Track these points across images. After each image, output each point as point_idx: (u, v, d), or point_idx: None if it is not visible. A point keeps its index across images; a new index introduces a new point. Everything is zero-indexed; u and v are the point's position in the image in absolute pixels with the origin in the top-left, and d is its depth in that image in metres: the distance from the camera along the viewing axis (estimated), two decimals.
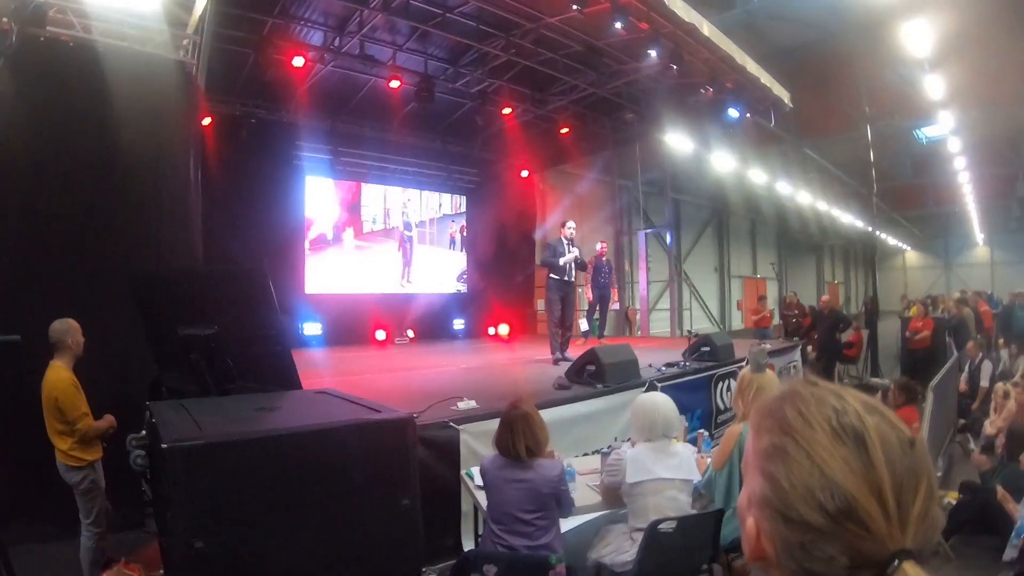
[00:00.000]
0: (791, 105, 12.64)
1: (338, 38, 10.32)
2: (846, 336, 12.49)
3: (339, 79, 11.34)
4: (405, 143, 13.50)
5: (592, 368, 6.95)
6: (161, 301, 4.40)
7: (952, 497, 5.92)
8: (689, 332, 9.76)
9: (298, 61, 9.67)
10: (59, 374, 4.38)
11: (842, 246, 41.01)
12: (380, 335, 12.91)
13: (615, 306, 15.37)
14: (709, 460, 4.02)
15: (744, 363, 8.00)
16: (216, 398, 3.65)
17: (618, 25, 8.88)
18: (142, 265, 5.55)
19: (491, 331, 14.77)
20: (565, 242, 9.00)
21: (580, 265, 9.16)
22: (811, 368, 11.70)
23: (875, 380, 12.85)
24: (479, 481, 3.77)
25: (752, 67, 11.09)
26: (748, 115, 12.41)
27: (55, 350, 4.43)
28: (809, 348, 11.92)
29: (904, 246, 40.12)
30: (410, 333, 13.57)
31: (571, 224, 9.26)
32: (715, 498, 3.79)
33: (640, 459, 3.64)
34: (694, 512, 3.70)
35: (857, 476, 0.74)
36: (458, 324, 14.85)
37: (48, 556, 4.79)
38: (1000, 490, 5.23)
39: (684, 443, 4.06)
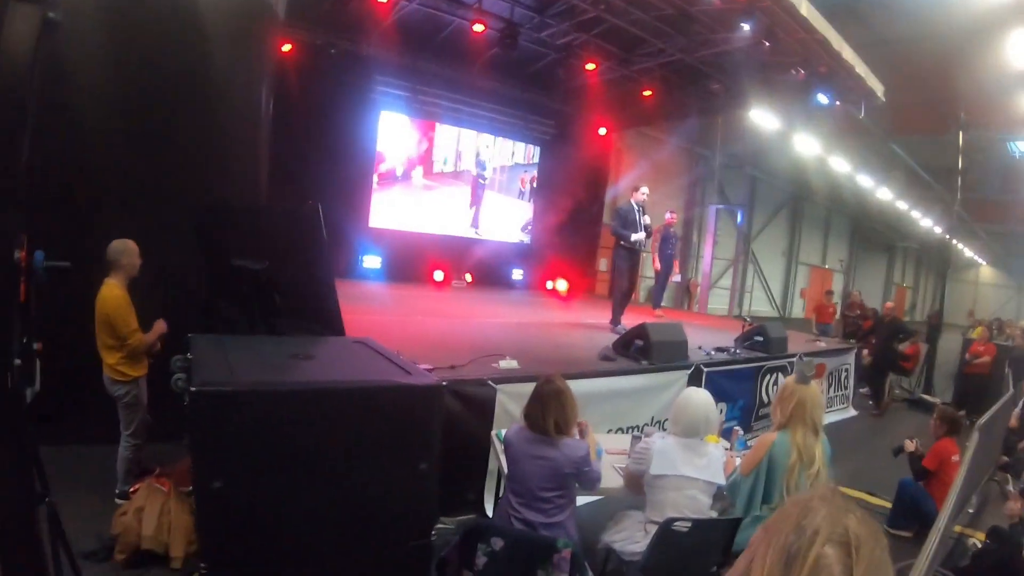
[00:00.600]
0: (883, 99, 11.99)
1: None
2: (904, 347, 12.04)
3: (423, 17, 11.16)
4: (484, 87, 13.32)
5: (640, 343, 6.84)
6: (219, 232, 4.50)
7: (979, 538, 5.74)
8: (744, 318, 9.49)
9: None
10: (112, 291, 4.50)
11: (916, 250, 39.55)
12: (438, 276, 13.01)
13: (676, 278, 15.13)
14: (738, 461, 3.96)
15: (797, 360, 7.81)
16: (255, 337, 3.74)
17: None
18: (205, 193, 5.61)
19: (549, 285, 14.74)
20: (636, 207, 8.71)
21: (647, 232, 8.88)
22: (863, 374, 11.44)
23: (926, 397, 12.48)
24: None
25: (848, 54, 10.51)
26: (838, 103, 11.83)
27: (111, 268, 4.54)
28: (865, 352, 11.50)
29: (980, 260, 38.43)
30: (468, 277, 13.63)
31: (644, 189, 8.94)
32: (736, 503, 3.74)
33: (668, 453, 3.59)
34: (712, 515, 3.65)
35: None
36: (517, 274, 14.86)
37: (90, 458, 5.03)
38: None
39: (718, 444, 3.96)
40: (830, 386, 10.12)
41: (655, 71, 12.81)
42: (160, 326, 4.71)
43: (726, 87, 12.96)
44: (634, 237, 8.58)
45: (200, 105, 5.82)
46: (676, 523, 3.30)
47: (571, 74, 12.78)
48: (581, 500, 4.61)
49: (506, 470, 3.67)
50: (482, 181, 14.31)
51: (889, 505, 6.23)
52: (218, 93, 5.95)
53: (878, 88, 11.74)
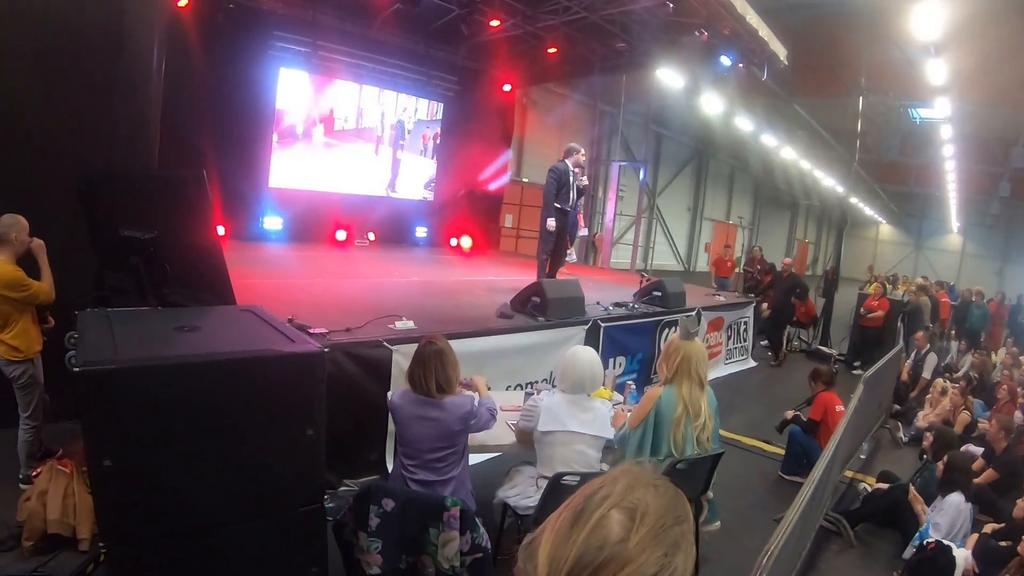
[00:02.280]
0: (786, 63, 12.40)
1: None
2: (797, 303, 12.76)
3: None
4: (386, 42, 13.08)
5: (537, 300, 7.03)
6: (105, 202, 4.40)
7: (870, 483, 6.20)
8: (642, 273, 9.80)
9: None
10: (1, 267, 4.37)
11: (818, 208, 41.32)
12: (341, 235, 12.86)
13: (583, 232, 15.38)
14: (628, 414, 4.11)
15: (680, 317, 8.13)
16: (142, 311, 3.72)
17: None
18: (92, 157, 5.40)
19: (453, 242, 14.78)
20: (571, 169, 8.66)
21: (580, 194, 8.84)
22: (762, 327, 12.02)
23: (823, 348, 13.25)
24: None
25: (753, 18, 10.80)
26: (740, 65, 12.16)
27: None
28: (764, 306, 12.08)
29: (880, 219, 40.27)
30: (371, 236, 13.52)
31: (581, 150, 8.88)
32: (626, 455, 3.90)
33: (554, 409, 3.75)
34: (603, 468, 3.81)
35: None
36: (421, 232, 14.79)
37: None
38: (912, 490, 5.49)
39: (603, 400, 4.17)
40: (729, 339, 10.63)
41: (559, 28, 12.82)
42: (39, 243, 4.57)
43: (631, 46, 13.11)
44: (549, 223, 8.53)
45: (85, 62, 5.52)
46: (565, 477, 3.46)
47: (475, 30, 12.65)
48: (478, 458, 4.83)
49: (396, 434, 3.74)
50: (402, 143, 14.25)
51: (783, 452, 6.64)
52: (105, 49, 5.63)
53: (781, 52, 12.10)
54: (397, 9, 11.44)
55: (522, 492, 3.85)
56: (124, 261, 4.37)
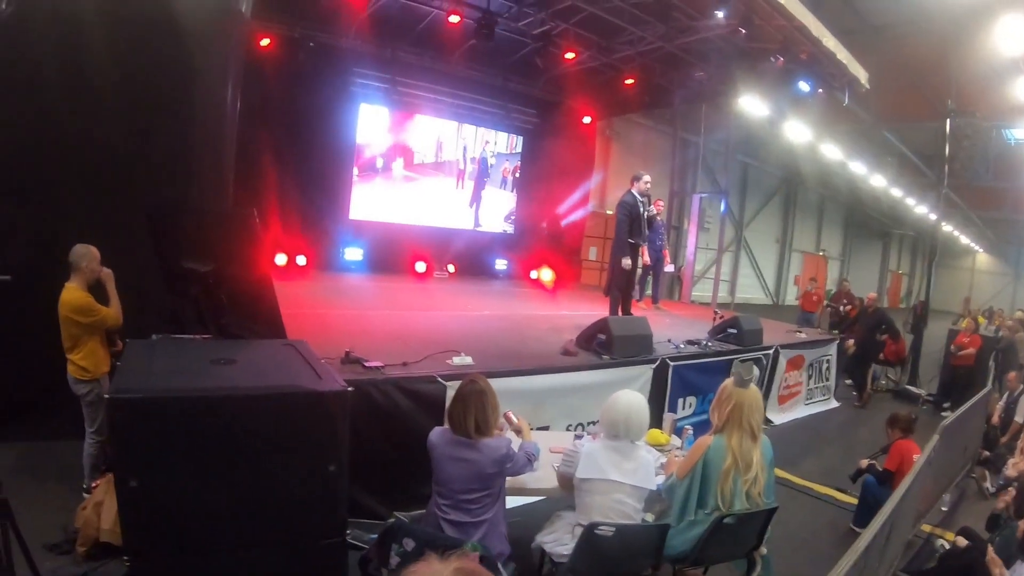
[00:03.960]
0: (867, 86, 11.91)
1: None
2: (885, 338, 12.05)
3: (400, 8, 11.15)
4: (464, 77, 13.31)
5: (602, 338, 6.87)
6: (169, 235, 4.58)
7: (949, 538, 5.71)
8: (716, 310, 9.47)
9: None
10: (72, 293, 4.66)
11: (912, 237, 39.31)
12: (420, 267, 13.04)
13: (669, 268, 15.07)
14: (679, 460, 3.93)
15: (735, 362, 7.78)
16: (189, 341, 3.84)
17: None
18: (168, 195, 5.72)
19: (533, 275, 14.71)
20: (639, 198, 8.62)
21: (651, 224, 8.77)
22: (846, 365, 11.40)
23: (911, 388, 12.48)
24: None
25: (830, 41, 10.45)
26: (820, 90, 11.78)
27: (71, 271, 4.70)
28: (849, 342, 11.48)
29: (976, 247, 38.05)
30: (451, 268, 13.64)
31: (647, 178, 8.80)
32: (672, 507, 3.73)
33: (595, 456, 3.59)
34: (645, 518, 3.66)
35: None
36: (500, 264, 14.86)
37: (58, 453, 5.27)
38: (990, 551, 5.00)
39: (650, 448, 3.99)
40: (810, 378, 10.13)
41: (635, 59, 12.81)
42: (107, 274, 4.84)
43: (708, 74, 12.95)
44: (625, 262, 8.53)
45: (164, 107, 5.85)
46: (599, 528, 3.32)
47: (551, 63, 12.76)
48: (521, 500, 4.70)
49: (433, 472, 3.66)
50: (486, 179, 14.47)
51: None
52: (182, 95, 5.97)
53: (862, 75, 11.67)
54: (473, 44, 11.59)
55: (558, 539, 3.68)
56: (186, 291, 4.54)
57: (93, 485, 4.60)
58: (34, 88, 5.44)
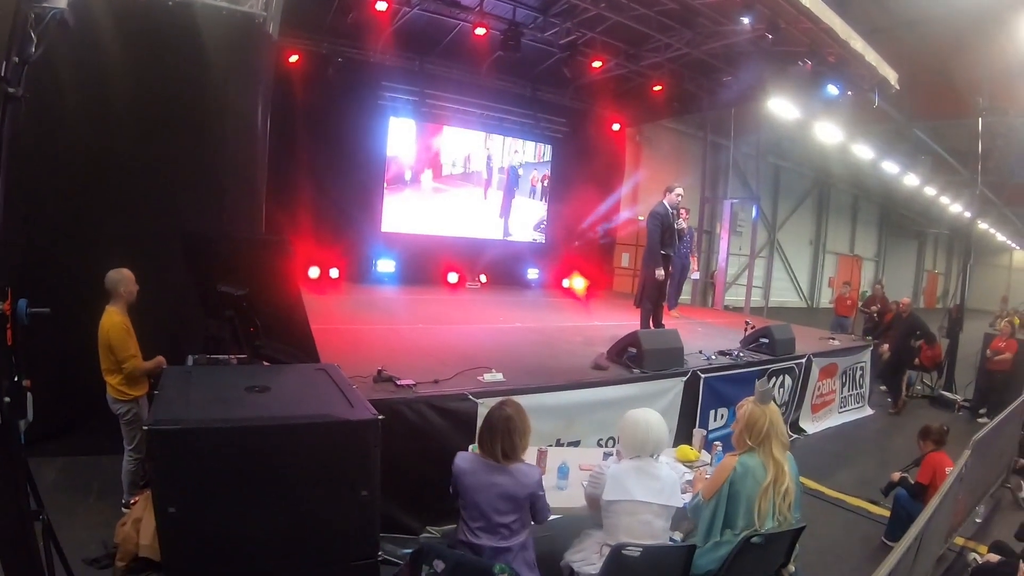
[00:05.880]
0: (897, 87, 11.72)
1: None
2: (919, 343, 11.77)
3: (426, 22, 11.29)
4: (491, 88, 13.43)
5: (633, 351, 6.84)
6: (206, 259, 4.70)
7: (982, 551, 5.60)
8: (746, 320, 9.33)
9: (381, 5, 9.63)
10: (112, 319, 4.82)
11: (947, 236, 38.38)
12: (452, 278, 13.16)
13: (695, 275, 14.96)
14: (707, 477, 3.92)
15: (758, 381, 7.65)
16: (225, 367, 3.91)
17: None
18: (201, 217, 5.89)
19: (565, 283, 14.78)
20: (671, 209, 8.66)
21: (680, 236, 8.79)
22: (880, 371, 11.19)
23: (946, 394, 12.13)
24: None
25: (858, 43, 10.32)
26: (849, 92, 11.63)
27: (110, 297, 4.88)
28: (884, 347, 11.28)
29: (1013, 244, 37.03)
30: (483, 278, 13.72)
31: (679, 190, 8.84)
32: (697, 527, 3.72)
33: (620, 477, 3.60)
34: (673, 537, 3.66)
35: None
36: (532, 274, 14.89)
37: (99, 469, 5.50)
38: (1022, 568, 4.89)
39: (673, 463, 3.99)
40: (844, 386, 9.98)
41: (663, 66, 12.79)
42: (159, 361, 4.95)
43: (736, 79, 12.87)
44: (658, 273, 8.54)
45: (195, 133, 6.03)
46: (626, 548, 3.32)
47: (579, 72, 12.73)
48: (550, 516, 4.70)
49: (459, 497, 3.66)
50: (515, 189, 14.55)
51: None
52: (212, 118, 6.13)
53: (891, 76, 11.49)
54: (499, 56, 11.65)
55: (586, 558, 3.70)
56: (221, 314, 4.65)
57: (132, 501, 4.71)
58: (66, 120, 5.62)
